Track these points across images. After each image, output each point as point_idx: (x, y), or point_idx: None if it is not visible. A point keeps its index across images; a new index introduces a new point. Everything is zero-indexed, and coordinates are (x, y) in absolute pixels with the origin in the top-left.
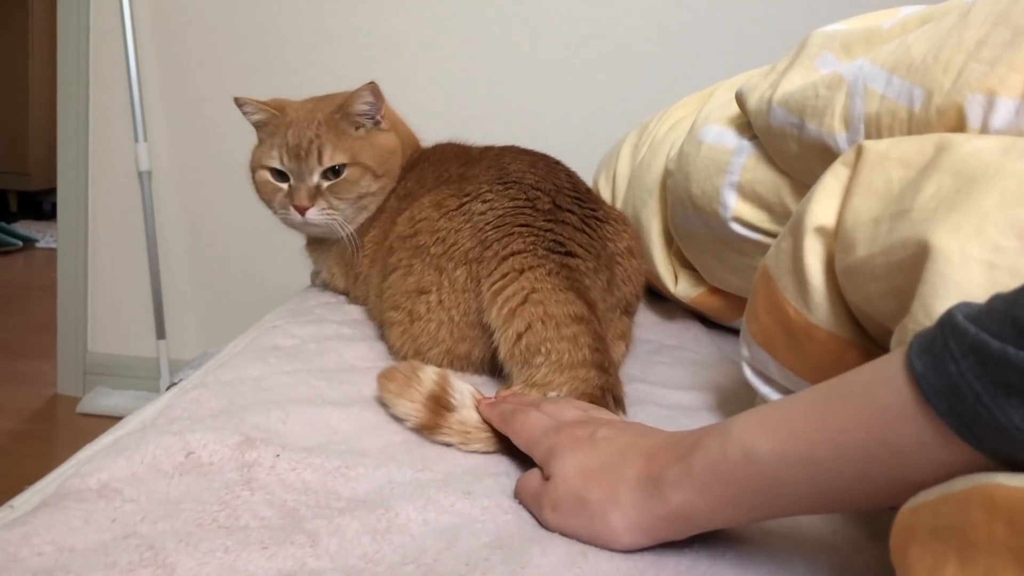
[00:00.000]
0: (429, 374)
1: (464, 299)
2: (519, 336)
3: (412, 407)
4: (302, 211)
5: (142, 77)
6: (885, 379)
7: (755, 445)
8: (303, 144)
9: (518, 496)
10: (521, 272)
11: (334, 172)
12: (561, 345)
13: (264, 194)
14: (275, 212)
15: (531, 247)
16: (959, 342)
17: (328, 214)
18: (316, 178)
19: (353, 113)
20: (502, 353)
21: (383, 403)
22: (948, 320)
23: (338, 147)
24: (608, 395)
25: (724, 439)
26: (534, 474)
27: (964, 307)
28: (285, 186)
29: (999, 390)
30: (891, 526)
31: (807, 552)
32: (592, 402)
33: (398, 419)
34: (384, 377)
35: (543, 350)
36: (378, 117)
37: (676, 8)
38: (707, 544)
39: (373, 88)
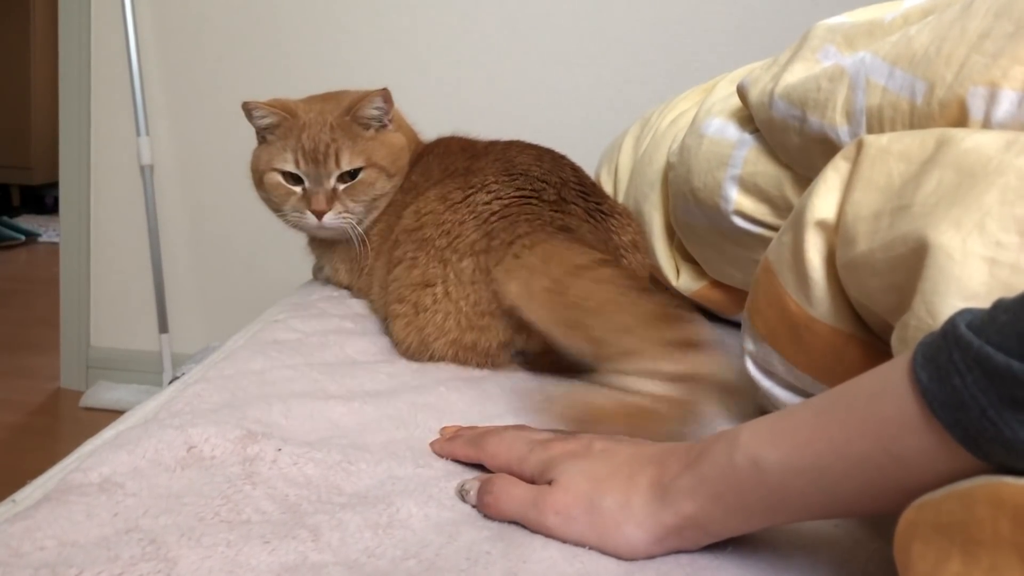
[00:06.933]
0: None
1: (473, 290)
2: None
3: None
4: (319, 215)
5: (144, 71)
6: (890, 389)
7: (763, 454)
8: (319, 148)
9: (492, 510)
10: (533, 246)
11: (349, 175)
12: (603, 290)
13: (275, 197)
14: (284, 215)
15: (538, 228)
16: (963, 354)
17: (344, 217)
18: (333, 181)
19: (363, 116)
20: (557, 337)
21: None
22: (952, 330)
23: (354, 150)
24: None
25: (732, 447)
26: (516, 484)
27: (967, 314)
28: (299, 189)
29: (1005, 404)
30: (893, 521)
31: (809, 546)
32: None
33: None
34: None
35: (592, 307)
36: (386, 120)
37: (678, 1)
38: None
39: (385, 95)
